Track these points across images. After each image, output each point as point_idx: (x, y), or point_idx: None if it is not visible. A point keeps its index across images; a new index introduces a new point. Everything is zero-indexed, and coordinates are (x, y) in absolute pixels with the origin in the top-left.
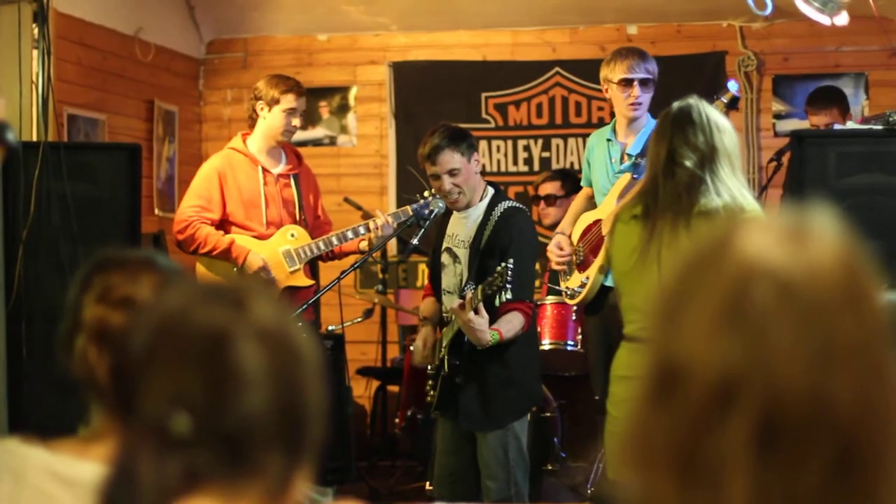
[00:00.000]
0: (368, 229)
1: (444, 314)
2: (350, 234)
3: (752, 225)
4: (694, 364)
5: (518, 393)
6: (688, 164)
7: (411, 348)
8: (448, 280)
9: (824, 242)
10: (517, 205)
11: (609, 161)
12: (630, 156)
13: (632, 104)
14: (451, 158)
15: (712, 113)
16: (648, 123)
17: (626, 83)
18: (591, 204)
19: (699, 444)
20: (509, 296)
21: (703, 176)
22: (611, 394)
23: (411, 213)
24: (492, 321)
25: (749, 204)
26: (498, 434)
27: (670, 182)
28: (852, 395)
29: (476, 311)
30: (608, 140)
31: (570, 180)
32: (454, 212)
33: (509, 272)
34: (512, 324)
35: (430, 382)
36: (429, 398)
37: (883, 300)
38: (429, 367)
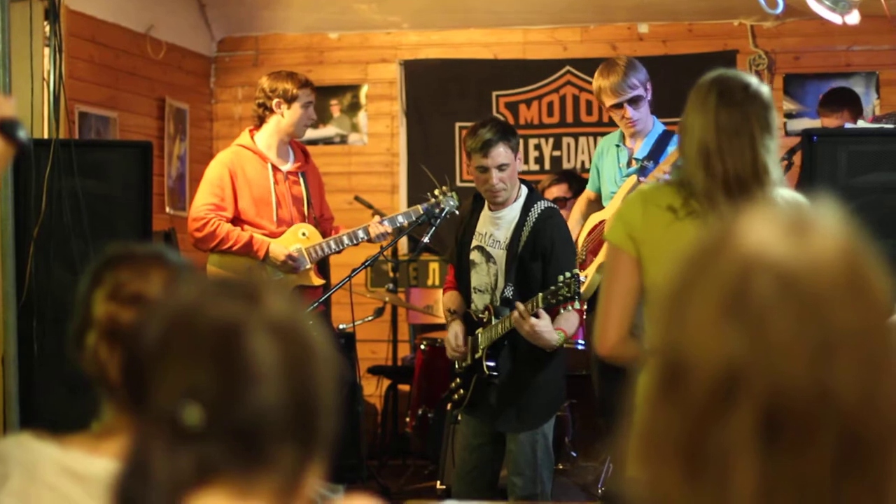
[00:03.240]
0: (368, 233)
1: (479, 315)
2: (361, 234)
3: (754, 218)
4: (697, 357)
5: (550, 394)
6: None
7: (422, 346)
8: (479, 279)
9: (826, 234)
10: (552, 205)
11: (618, 166)
12: (637, 160)
13: (627, 124)
14: (504, 153)
15: None
16: (655, 127)
17: (617, 106)
18: (592, 207)
19: (705, 436)
20: (577, 305)
21: None
22: None
23: (422, 213)
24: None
25: None
26: (529, 433)
27: None
28: (855, 386)
29: (537, 316)
30: (616, 146)
31: (577, 181)
32: (484, 210)
33: (578, 283)
34: (570, 321)
35: (457, 381)
36: (456, 396)
37: (887, 292)
38: (456, 366)
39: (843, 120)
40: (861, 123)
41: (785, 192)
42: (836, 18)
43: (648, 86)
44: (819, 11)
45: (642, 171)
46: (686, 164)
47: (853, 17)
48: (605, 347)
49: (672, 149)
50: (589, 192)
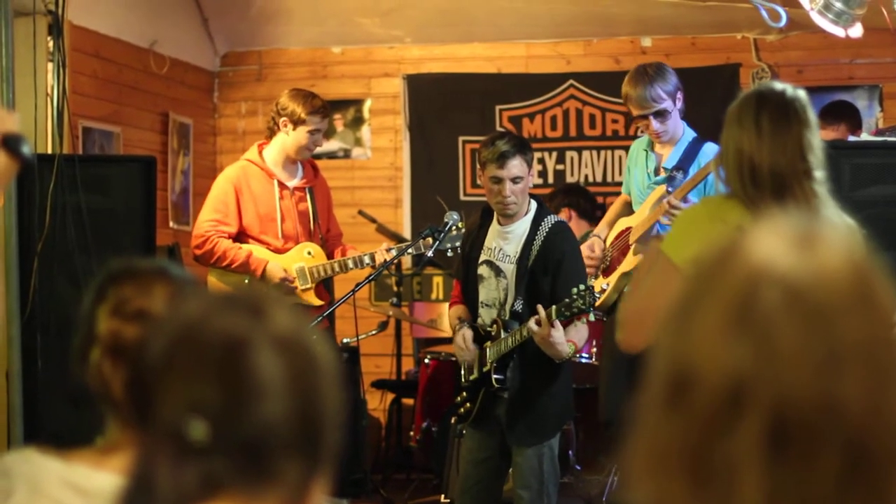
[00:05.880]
0: (374, 259)
1: (488, 329)
2: (367, 260)
3: (762, 230)
4: (703, 368)
5: (559, 407)
6: None
7: (426, 360)
8: (488, 294)
9: (833, 247)
10: (561, 219)
11: (646, 172)
12: (666, 169)
13: (652, 136)
14: (519, 165)
15: None
16: (685, 135)
17: (642, 118)
18: (627, 209)
19: (710, 447)
20: (592, 318)
21: None
22: None
23: (432, 244)
24: None
25: None
26: (535, 447)
27: None
28: (861, 397)
29: (552, 326)
30: (645, 150)
31: (571, 195)
32: (493, 224)
33: (592, 295)
34: (580, 333)
35: (464, 394)
36: (462, 410)
37: (893, 304)
38: (462, 379)
39: (840, 134)
40: (864, 136)
41: (832, 212)
42: (839, 31)
43: (679, 94)
44: (822, 24)
45: (671, 182)
46: (729, 179)
47: (856, 31)
48: (628, 344)
49: (702, 161)
50: (624, 196)
